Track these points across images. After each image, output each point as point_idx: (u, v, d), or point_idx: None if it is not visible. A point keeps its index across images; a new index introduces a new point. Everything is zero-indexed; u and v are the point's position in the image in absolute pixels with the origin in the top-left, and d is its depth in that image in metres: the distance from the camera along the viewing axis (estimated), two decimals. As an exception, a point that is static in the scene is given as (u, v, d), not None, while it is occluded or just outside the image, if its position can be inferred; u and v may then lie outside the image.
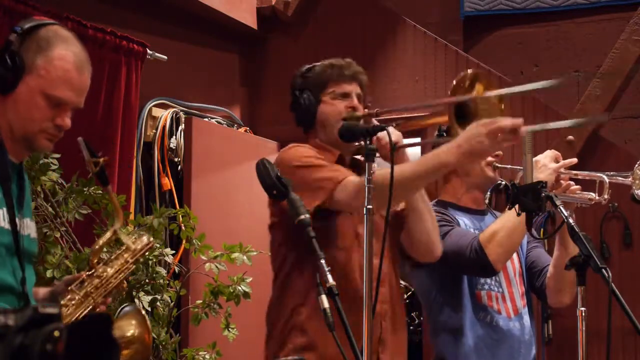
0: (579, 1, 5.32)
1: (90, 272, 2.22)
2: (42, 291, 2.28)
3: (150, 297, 3.63)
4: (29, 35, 2.05)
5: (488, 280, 2.97)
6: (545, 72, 5.40)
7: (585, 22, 5.34)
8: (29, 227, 2.14)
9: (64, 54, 2.05)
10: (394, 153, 2.42)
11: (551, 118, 4.71)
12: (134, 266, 2.34)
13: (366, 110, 2.70)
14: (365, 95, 2.73)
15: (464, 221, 3.02)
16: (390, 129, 2.34)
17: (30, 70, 2.03)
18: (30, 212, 2.20)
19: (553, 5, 5.38)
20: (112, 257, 2.30)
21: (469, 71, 2.51)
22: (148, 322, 2.40)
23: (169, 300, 3.82)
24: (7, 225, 2.03)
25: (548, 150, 2.93)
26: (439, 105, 2.54)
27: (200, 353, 3.96)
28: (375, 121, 2.61)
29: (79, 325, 1.12)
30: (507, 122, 2.36)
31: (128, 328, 2.38)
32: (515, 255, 3.03)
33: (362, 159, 2.62)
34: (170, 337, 3.83)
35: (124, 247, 2.32)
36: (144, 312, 2.44)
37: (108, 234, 2.29)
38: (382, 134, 2.38)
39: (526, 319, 3.04)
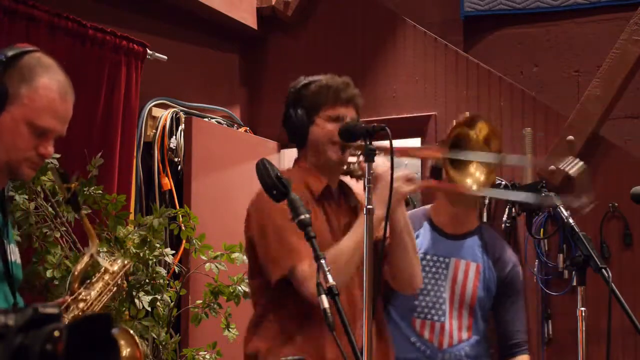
0: (579, 1, 5.32)
1: (74, 297, 2.24)
2: None
3: (150, 297, 3.63)
4: (11, 63, 2.02)
5: (432, 311, 2.99)
6: (545, 72, 5.40)
7: (585, 22, 5.34)
8: (13, 253, 2.14)
9: (49, 83, 2.03)
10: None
11: (551, 118, 4.71)
12: (115, 288, 2.37)
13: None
14: (359, 118, 2.69)
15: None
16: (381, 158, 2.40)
17: (14, 99, 2.00)
18: (12, 236, 2.20)
19: (553, 5, 5.39)
20: (93, 281, 2.33)
21: (468, 114, 2.55)
22: (137, 339, 2.43)
23: (169, 300, 3.82)
24: None
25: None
26: (433, 152, 2.58)
27: (200, 353, 3.96)
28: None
29: (79, 325, 1.12)
30: (407, 174, 2.56)
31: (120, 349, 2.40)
32: (471, 285, 3.03)
33: (351, 178, 2.66)
34: (170, 337, 3.83)
35: (102, 270, 2.36)
36: (131, 331, 2.49)
37: (85, 259, 2.30)
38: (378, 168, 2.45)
39: (466, 351, 3.04)
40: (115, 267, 2.38)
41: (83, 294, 2.25)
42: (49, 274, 3.29)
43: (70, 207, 2.34)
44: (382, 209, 2.40)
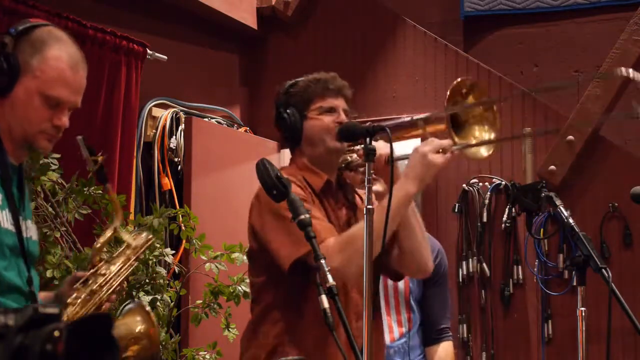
0: (579, 1, 5.32)
1: (93, 271, 2.23)
2: (44, 295, 2.28)
3: (150, 297, 3.63)
4: (23, 37, 2.07)
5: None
6: (545, 72, 5.40)
7: (585, 22, 5.34)
8: (30, 230, 2.16)
9: (59, 54, 2.08)
10: (387, 166, 2.46)
11: (551, 118, 4.71)
12: (137, 263, 2.35)
13: None
14: (350, 109, 2.67)
15: None
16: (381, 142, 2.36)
17: (26, 71, 2.05)
18: (30, 213, 2.21)
19: (553, 5, 5.38)
20: (114, 255, 2.31)
21: (459, 79, 2.50)
22: (152, 316, 2.39)
23: (169, 300, 3.82)
24: (10, 227, 2.05)
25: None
26: (437, 117, 2.51)
27: (200, 353, 3.96)
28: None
29: (79, 325, 1.12)
30: (440, 141, 2.42)
31: (134, 325, 2.37)
32: (402, 281, 3.00)
33: (350, 173, 2.64)
34: (170, 337, 3.83)
35: (124, 245, 2.33)
36: (148, 307, 2.44)
37: (108, 233, 2.30)
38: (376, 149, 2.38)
39: (408, 342, 3.16)
40: (139, 242, 2.34)
41: (103, 268, 2.24)
42: (49, 273, 3.28)
43: (98, 179, 2.36)
44: (406, 184, 2.40)
